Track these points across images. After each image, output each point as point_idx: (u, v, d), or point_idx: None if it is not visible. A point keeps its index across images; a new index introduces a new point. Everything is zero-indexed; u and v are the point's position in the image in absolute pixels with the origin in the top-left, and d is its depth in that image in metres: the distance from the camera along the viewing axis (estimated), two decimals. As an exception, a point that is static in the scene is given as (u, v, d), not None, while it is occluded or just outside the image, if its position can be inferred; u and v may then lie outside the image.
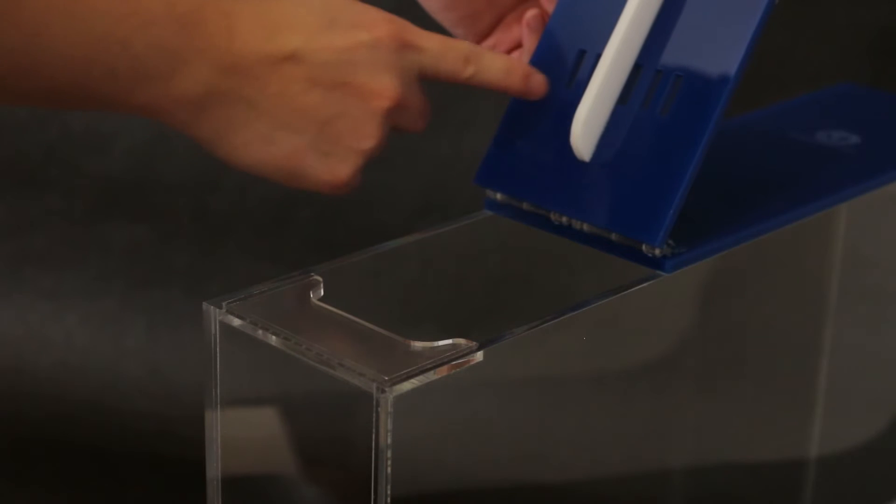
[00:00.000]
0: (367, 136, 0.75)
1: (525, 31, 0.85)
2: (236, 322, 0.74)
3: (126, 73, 0.69)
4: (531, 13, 0.85)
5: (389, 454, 0.69)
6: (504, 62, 0.79)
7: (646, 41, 0.80)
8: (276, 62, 0.73)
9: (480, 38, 0.87)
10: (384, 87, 0.75)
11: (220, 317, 0.75)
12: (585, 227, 0.80)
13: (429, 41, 0.77)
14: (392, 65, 0.75)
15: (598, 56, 0.80)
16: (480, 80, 0.79)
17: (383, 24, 0.75)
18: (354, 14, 0.75)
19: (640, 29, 0.80)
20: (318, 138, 0.75)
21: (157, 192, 1.29)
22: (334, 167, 0.75)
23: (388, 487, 0.69)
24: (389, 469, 0.69)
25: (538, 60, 0.83)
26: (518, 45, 0.86)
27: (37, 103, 0.71)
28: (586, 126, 0.78)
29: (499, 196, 0.84)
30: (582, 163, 0.80)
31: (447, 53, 0.77)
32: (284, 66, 0.73)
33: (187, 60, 0.71)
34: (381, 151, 0.77)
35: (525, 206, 0.83)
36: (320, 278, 0.77)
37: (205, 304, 0.75)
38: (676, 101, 0.79)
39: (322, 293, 0.76)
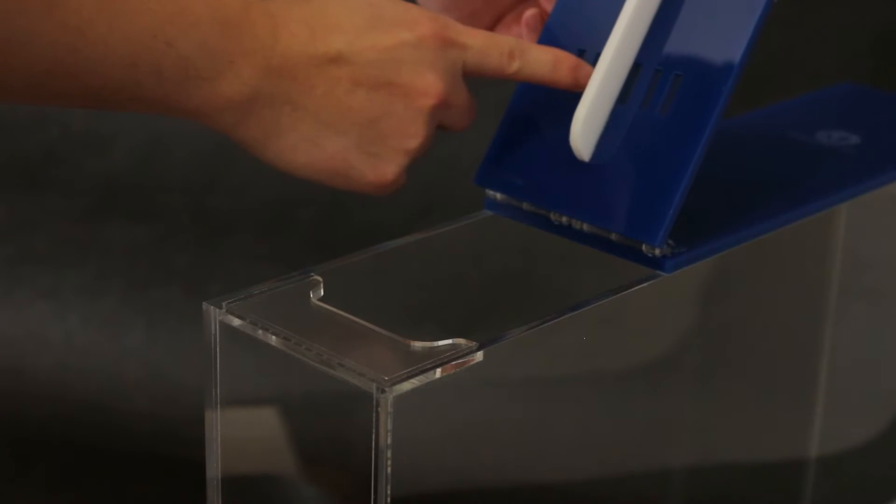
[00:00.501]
0: (412, 136, 0.75)
1: (524, 30, 0.85)
2: (236, 322, 0.74)
3: (172, 73, 0.69)
4: (530, 12, 0.85)
5: (389, 454, 0.69)
6: (551, 55, 0.79)
7: (645, 40, 0.80)
8: (321, 63, 0.73)
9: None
10: (429, 86, 0.75)
11: (220, 317, 0.75)
12: (585, 227, 0.80)
13: (472, 38, 0.76)
14: (436, 63, 0.75)
15: (598, 55, 0.80)
16: (526, 74, 0.78)
17: (426, 22, 0.75)
18: (397, 13, 0.75)
19: (640, 28, 0.79)
20: (363, 138, 0.74)
21: (157, 192, 1.29)
22: (380, 167, 0.75)
23: (388, 487, 0.69)
24: (389, 469, 0.69)
25: (538, 60, 0.83)
26: (518, 45, 0.86)
27: (83, 105, 0.71)
28: (586, 126, 0.78)
29: (499, 196, 0.84)
30: (582, 162, 0.79)
31: (491, 50, 0.77)
32: (329, 67, 0.73)
33: (233, 61, 0.71)
34: (426, 150, 0.77)
35: (525, 206, 0.83)
36: (320, 278, 0.77)
37: (205, 304, 0.75)
38: (676, 101, 0.78)
39: (322, 293, 0.76)
